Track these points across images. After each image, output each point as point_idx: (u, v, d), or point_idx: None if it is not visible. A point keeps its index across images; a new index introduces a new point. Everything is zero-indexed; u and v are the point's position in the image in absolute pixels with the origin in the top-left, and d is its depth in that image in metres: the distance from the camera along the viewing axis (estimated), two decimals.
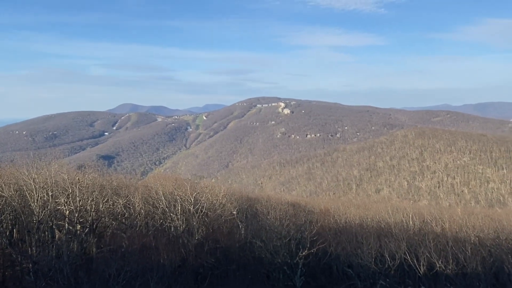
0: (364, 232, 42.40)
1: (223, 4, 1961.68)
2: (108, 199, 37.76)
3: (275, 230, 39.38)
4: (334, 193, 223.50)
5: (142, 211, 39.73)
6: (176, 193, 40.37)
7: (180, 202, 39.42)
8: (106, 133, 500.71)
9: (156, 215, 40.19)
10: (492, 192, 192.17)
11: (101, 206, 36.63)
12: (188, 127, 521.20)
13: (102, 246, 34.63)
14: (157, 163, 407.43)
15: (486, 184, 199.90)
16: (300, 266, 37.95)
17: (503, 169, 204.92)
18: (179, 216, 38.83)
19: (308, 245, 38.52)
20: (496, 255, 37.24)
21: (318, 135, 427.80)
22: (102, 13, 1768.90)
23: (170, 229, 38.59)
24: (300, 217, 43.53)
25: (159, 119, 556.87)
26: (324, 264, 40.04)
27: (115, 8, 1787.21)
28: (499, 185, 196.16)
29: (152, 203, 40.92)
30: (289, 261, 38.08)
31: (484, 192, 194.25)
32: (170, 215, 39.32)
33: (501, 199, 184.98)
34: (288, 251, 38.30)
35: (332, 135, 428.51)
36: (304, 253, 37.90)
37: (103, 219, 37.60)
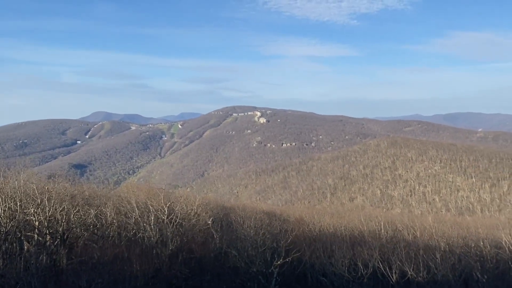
0: (338, 240, 42.86)
1: (199, 12, 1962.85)
2: (79, 209, 36.93)
3: (250, 240, 39.33)
4: (309, 202, 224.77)
5: (114, 221, 39.03)
6: (149, 203, 39.86)
7: (154, 212, 38.95)
8: (79, 142, 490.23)
9: (129, 225, 39.54)
10: (462, 200, 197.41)
11: (72, 216, 35.76)
12: (163, 136, 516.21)
13: (73, 257, 33.79)
14: (130, 172, 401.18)
15: (456, 192, 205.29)
16: (275, 275, 37.97)
17: (472, 177, 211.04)
18: (152, 226, 38.33)
19: (283, 254, 38.59)
20: (465, 262, 38.22)
21: (294, 144, 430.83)
22: (74, 19, 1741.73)
23: (144, 239, 38.03)
24: (275, 226, 43.64)
25: (133, 128, 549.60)
26: (299, 273, 40.19)
27: (88, 15, 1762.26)
28: (468, 193, 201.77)
29: (125, 213, 40.27)
30: (264, 270, 38.03)
31: (454, 200, 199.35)
32: (143, 225, 38.78)
33: (470, 207, 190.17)
34: (263, 260, 38.26)
35: (307, 144, 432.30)
36: (279, 262, 37.94)
37: (74, 229, 36.72)
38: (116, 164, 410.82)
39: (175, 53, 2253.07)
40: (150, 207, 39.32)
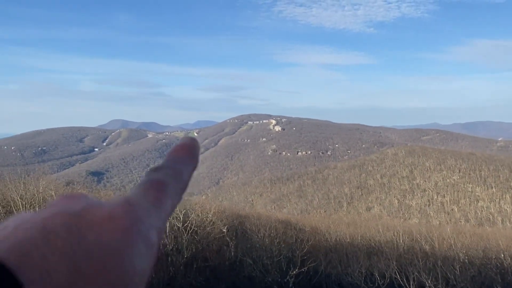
0: (355, 250, 42.34)
1: (215, 21, 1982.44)
2: None
3: (266, 248, 39.14)
4: (325, 211, 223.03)
5: None
6: None
7: (169, 219, 39.11)
8: (96, 149, 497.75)
9: None
10: (482, 211, 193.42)
11: None
12: None
13: None
14: None
15: (475, 202, 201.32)
16: (290, 285, 37.66)
17: (492, 187, 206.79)
18: (168, 234, 38.47)
19: (299, 264, 38.31)
20: (485, 274, 37.41)
21: (309, 152, 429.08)
22: (94, 28, 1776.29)
23: (159, 247, 38.15)
24: (290, 235, 43.36)
25: (150, 135, 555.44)
26: (314, 283, 39.77)
27: (107, 24, 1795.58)
28: (488, 203, 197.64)
29: None
30: (279, 279, 37.78)
31: (473, 210, 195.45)
32: None
33: (490, 217, 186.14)
34: (279, 270, 38.03)
35: (323, 153, 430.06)
36: (294, 271, 37.66)
37: None
38: (133, 171, 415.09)
39: (192, 61, 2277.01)
40: None
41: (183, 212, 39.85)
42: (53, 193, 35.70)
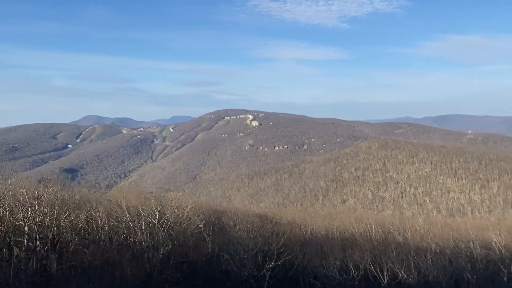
0: (330, 242, 42.96)
1: (189, 16, 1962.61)
2: (70, 214, 36.63)
3: (242, 243, 39.29)
4: (301, 204, 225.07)
5: (105, 225, 38.77)
6: (140, 207, 39.67)
7: (145, 216, 38.77)
8: (70, 146, 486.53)
9: (120, 230, 39.31)
10: (453, 202, 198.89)
11: (62, 221, 35.45)
12: (155, 139, 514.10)
13: (63, 262, 33.49)
14: (122, 176, 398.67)
15: (446, 194, 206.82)
16: (267, 279, 37.93)
17: (462, 179, 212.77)
18: (143, 231, 38.15)
19: (275, 257, 38.59)
20: (456, 263, 38.47)
21: (286, 147, 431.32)
22: (66, 23, 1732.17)
23: (135, 243, 37.82)
24: (267, 229, 43.63)
25: (125, 131, 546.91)
26: (290, 276, 40.17)
27: (80, 19, 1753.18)
28: (459, 194, 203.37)
29: (116, 217, 40.02)
30: (256, 273, 37.99)
31: (445, 201, 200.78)
32: (135, 229, 38.58)
33: (461, 208, 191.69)
34: (255, 264, 38.23)
35: (299, 147, 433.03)
36: (271, 265, 37.93)
37: (64, 234, 36.40)
38: (108, 168, 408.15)
39: (167, 56, 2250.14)
40: (141, 211, 39.14)
41: (159, 209, 39.57)
42: (24, 191, 34.88)
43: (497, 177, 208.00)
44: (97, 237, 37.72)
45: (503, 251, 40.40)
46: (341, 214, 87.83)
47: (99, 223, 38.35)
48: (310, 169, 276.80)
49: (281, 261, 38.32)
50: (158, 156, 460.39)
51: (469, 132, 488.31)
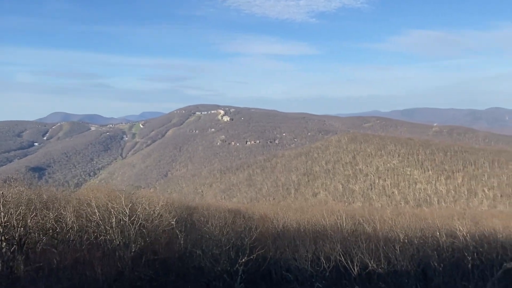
0: (302, 235, 43.53)
1: (156, 10, 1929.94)
2: (37, 214, 35.74)
3: (215, 238, 39.32)
4: (273, 199, 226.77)
5: (74, 225, 38.00)
6: (110, 205, 39.07)
7: (115, 214, 38.22)
8: (36, 144, 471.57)
9: (89, 229, 38.62)
10: (420, 193, 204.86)
11: (29, 221, 34.56)
12: (124, 136, 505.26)
13: (30, 264, 32.67)
14: (91, 174, 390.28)
15: (414, 185, 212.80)
16: (240, 273, 38.14)
17: (428, 170, 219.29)
18: (114, 229, 37.62)
19: (248, 252, 38.81)
20: (423, 252, 39.60)
21: (258, 141, 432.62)
22: (28, 17, 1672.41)
23: (105, 242, 37.27)
24: (239, 224, 43.80)
25: (93, 128, 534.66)
26: (263, 270, 40.53)
27: (43, 12, 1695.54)
28: (426, 185, 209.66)
29: (85, 216, 39.29)
30: (229, 268, 38.14)
31: (412, 192, 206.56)
32: (105, 228, 37.99)
33: (428, 198, 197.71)
34: (228, 259, 38.35)
35: (271, 142, 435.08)
36: (243, 259, 38.14)
37: (31, 235, 35.50)
38: (76, 166, 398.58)
39: (135, 51, 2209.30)
40: (111, 209, 38.56)
41: (129, 206, 39.10)
42: None
43: (461, 168, 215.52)
44: (66, 236, 36.96)
45: (467, 239, 41.96)
46: (313, 207, 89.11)
47: (68, 223, 37.57)
48: (282, 163, 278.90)
49: (254, 255, 38.59)
50: (128, 153, 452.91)
51: (435, 124, 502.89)
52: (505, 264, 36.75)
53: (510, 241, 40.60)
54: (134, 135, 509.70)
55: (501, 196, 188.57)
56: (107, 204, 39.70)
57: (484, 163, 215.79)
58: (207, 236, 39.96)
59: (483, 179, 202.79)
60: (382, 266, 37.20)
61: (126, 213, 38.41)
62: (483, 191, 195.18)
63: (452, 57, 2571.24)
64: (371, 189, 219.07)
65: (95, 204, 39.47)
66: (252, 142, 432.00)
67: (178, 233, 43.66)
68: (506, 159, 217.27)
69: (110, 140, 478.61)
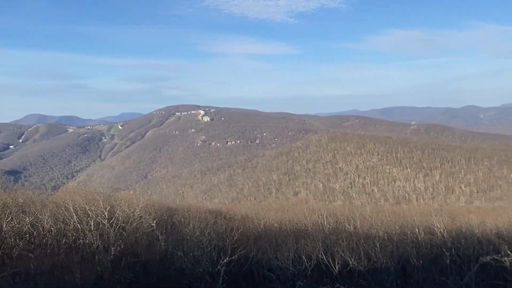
0: (283, 235, 43.61)
1: (135, 10, 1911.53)
2: (13, 218, 34.84)
3: (196, 240, 39.05)
4: (255, 198, 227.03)
5: (52, 228, 37.20)
6: (88, 208, 38.41)
7: (93, 217, 37.57)
8: (11, 146, 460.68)
9: (67, 232, 37.86)
10: (399, 190, 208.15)
11: (4, 225, 33.67)
12: (103, 138, 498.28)
13: (7, 269, 31.82)
14: (69, 176, 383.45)
15: (393, 182, 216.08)
16: (222, 274, 37.98)
17: (407, 168, 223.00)
18: (93, 232, 36.97)
19: (230, 252, 38.66)
20: (402, 249, 40.09)
21: (238, 141, 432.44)
22: (4, 16, 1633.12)
23: (84, 246, 36.59)
24: (221, 225, 43.60)
25: (71, 130, 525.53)
26: (245, 270, 40.44)
27: (19, 12, 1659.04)
28: (404, 183, 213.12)
29: (63, 220, 38.51)
30: (210, 269, 37.93)
31: (391, 190, 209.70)
32: (83, 231, 37.31)
33: (406, 196, 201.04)
34: (210, 260, 38.14)
35: (251, 142, 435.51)
36: (225, 260, 37.98)
37: (7, 239, 34.59)
38: (54, 169, 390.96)
39: (113, 52, 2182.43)
40: (90, 212, 37.90)
41: (108, 209, 38.49)
42: None
43: (439, 165, 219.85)
44: (43, 241, 36.14)
45: (445, 235, 42.67)
46: (294, 206, 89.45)
47: (45, 227, 36.76)
48: (263, 163, 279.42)
49: (236, 256, 38.47)
50: (107, 155, 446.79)
51: (412, 123, 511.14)
52: (481, 259, 37.53)
53: (486, 236, 41.48)
54: (112, 136, 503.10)
55: (477, 192, 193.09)
56: (86, 207, 39.00)
57: (460, 160, 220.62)
58: (188, 237, 39.65)
59: (460, 176, 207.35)
60: (363, 263, 37.53)
61: (105, 215, 37.80)
62: (460, 187, 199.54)
63: (429, 57, 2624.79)
64: (351, 188, 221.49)
65: (73, 207, 38.72)
66: (233, 142, 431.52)
67: (159, 235, 43.20)
68: (482, 156, 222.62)
69: (88, 142, 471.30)
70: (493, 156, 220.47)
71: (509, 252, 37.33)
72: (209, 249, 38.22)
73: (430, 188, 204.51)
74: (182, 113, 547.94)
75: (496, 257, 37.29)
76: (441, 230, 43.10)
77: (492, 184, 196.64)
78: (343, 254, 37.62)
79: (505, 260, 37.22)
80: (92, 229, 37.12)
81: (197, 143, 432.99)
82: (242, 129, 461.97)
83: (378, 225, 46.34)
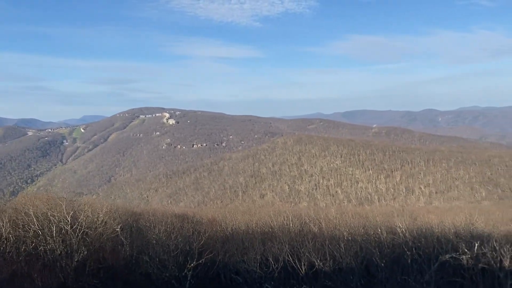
0: (250, 238, 43.74)
1: (97, 11, 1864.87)
2: None
3: (162, 244, 38.63)
4: (221, 202, 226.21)
5: (10, 235, 35.84)
6: (49, 213, 37.25)
7: (55, 222, 36.50)
8: None
9: (28, 239, 36.58)
10: (361, 191, 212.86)
11: None
12: (64, 141, 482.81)
13: None
14: (29, 181, 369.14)
15: (356, 184, 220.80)
16: (188, 278, 37.74)
17: (369, 170, 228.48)
18: (55, 238, 35.89)
19: (196, 256, 38.45)
20: (366, 249, 40.92)
21: (205, 144, 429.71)
22: None
23: (46, 253, 35.47)
24: (187, 229, 43.29)
25: (30, 133, 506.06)
26: (212, 274, 40.33)
27: None
28: (367, 184, 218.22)
29: (22, 226, 37.18)
30: (177, 274, 37.62)
31: (354, 191, 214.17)
32: (45, 237, 36.17)
33: (369, 197, 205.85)
34: (176, 264, 37.82)
35: (218, 144, 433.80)
36: (192, 264, 37.77)
37: None
38: (12, 173, 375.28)
39: (75, 53, 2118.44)
40: (51, 217, 36.77)
41: (71, 214, 37.50)
42: None
43: (399, 167, 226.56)
44: (1, 248, 34.80)
45: (406, 235, 43.76)
46: (260, 209, 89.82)
47: (3, 233, 35.39)
48: (229, 166, 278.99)
49: (203, 259, 38.30)
50: (68, 159, 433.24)
51: (374, 126, 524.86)
52: (440, 257, 38.89)
53: (445, 235, 42.88)
54: (75, 139, 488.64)
55: (436, 192, 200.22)
56: (47, 212, 37.81)
57: (420, 162, 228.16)
58: (154, 242, 39.17)
59: (420, 177, 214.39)
60: (328, 264, 38.11)
61: (68, 221, 36.80)
62: (420, 188, 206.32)
63: (389, 62, 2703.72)
64: (316, 189, 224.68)
65: (33, 212, 37.45)
66: (199, 145, 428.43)
67: (124, 240, 42.44)
68: (440, 157, 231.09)
69: (49, 145, 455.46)
70: (450, 157, 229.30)
71: (466, 250, 38.81)
72: (175, 253, 37.90)
73: (391, 189, 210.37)
74: (147, 116, 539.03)
75: (454, 255, 38.70)
76: (403, 230, 44.29)
77: (450, 184, 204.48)
78: (309, 256, 38.08)
79: (462, 258, 38.72)
80: (54, 235, 36.04)
81: (162, 146, 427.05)
82: (208, 132, 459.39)
83: (342, 226, 47.20)
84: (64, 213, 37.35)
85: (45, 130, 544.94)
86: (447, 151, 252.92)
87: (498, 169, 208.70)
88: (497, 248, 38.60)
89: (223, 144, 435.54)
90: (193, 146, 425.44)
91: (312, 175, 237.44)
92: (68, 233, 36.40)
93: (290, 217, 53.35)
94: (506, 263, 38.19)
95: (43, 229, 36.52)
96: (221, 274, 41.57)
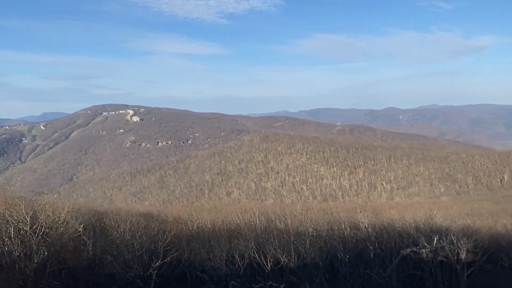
0: (216, 235, 43.70)
1: (56, 3, 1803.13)
2: None
3: (126, 244, 38.00)
4: (187, 200, 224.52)
5: None
6: (7, 214, 35.90)
7: (13, 223, 35.22)
8: None
9: None
10: (326, 188, 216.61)
11: None
12: (23, 139, 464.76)
13: None
14: None
15: (321, 181, 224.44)
16: (153, 278, 37.36)
17: (333, 167, 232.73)
18: (13, 239, 34.64)
19: (162, 255, 38.10)
20: (330, 245, 41.73)
21: (170, 142, 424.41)
22: None
23: (3, 254, 34.19)
24: (152, 228, 42.76)
25: None
26: (178, 273, 40.10)
27: None
28: (331, 181, 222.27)
29: None
30: (142, 273, 37.16)
31: (319, 188, 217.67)
32: (2, 238, 34.84)
33: (333, 193, 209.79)
34: (141, 264, 37.34)
35: (183, 142, 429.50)
36: (157, 264, 37.41)
37: None
38: None
39: (33, 48, 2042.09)
40: (9, 218, 35.44)
41: (30, 214, 36.27)
42: None
43: (362, 164, 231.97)
44: None
45: (369, 230, 44.85)
46: (227, 206, 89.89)
47: None
48: (195, 163, 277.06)
49: (168, 258, 38.01)
50: (27, 157, 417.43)
51: (338, 124, 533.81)
52: (402, 251, 40.19)
53: (406, 230, 44.19)
54: (34, 137, 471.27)
55: (397, 189, 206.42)
56: (4, 212, 36.40)
57: (382, 159, 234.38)
58: (118, 241, 38.48)
59: (382, 174, 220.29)
60: (293, 260, 38.60)
61: (27, 221, 35.57)
62: (382, 184, 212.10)
63: (352, 61, 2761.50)
64: (282, 186, 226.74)
65: None
66: (164, 143, 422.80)
67: (86, 239, 41.48)
68: (401, 154, 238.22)
69: (6, 143, 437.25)
70: (411, 154, 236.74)
71: (426, 244, 40.30)
72: (140, 252, 37.42)
73: (355, 186, 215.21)
74: (110, 113, 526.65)
75: (415, 249, 40.13)
76: (366, 225, 45.42)
77: (411, 181, 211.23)
78: (274, 252, 38.46)
79: (422, 252, 40.21)
80: (12, 236, 34.76)
81: (126, 144, 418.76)
82: (173, 129, 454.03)
83: (307, 222, 47.81)
84: (23, 213, 36.08)
85: (3, 127, 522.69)
86: (407, 148, 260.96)
87: (455, 165, 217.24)
88: (455, 241, 40.28)
89: (189, 142, 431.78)
90: (158, 144, 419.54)
91: (278, 172, 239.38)
92: (28, 233, 35.21)
93: (257, 214, 53.64)
94: (463, 255, 39.94)
95: (0, 230, 35.18)
96: (186, 273, 41.41)
